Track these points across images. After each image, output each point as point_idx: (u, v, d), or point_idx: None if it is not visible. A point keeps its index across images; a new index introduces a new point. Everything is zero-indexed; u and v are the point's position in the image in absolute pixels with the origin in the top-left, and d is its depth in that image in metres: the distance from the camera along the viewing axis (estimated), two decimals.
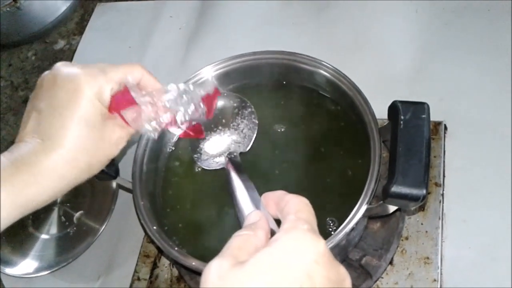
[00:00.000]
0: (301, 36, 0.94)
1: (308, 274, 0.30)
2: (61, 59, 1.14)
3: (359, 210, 0.52)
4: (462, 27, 0.85)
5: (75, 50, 1.12)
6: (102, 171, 0.61)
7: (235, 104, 0.65)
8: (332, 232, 0.56)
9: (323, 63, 0.63)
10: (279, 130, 0.68)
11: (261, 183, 0.50)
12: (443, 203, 0.71)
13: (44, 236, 0.87)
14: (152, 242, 0.72)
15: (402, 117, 0.52)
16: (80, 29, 1.16)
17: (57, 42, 1.17)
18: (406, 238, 0.69)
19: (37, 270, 0.83)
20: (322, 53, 0.66)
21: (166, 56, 1.02)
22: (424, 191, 0.48)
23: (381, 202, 0.52)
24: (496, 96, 0.77)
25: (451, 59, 0.82)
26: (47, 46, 1.17)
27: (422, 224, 0.70)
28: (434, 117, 0.73)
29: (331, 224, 0.59)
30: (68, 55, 1.13)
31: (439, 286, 0.65)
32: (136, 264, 0.78)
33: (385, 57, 0.86)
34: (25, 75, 1.14)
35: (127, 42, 1.08)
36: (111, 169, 0.62)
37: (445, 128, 0.76)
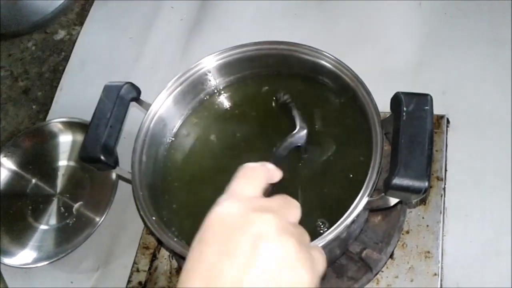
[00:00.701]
0: (304, 27, 0.93)
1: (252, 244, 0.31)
2: (61, 50, 1.13)
3: (360, 203, 0.52)
4: (465, 19, 0.84)
5: (75, 41, 1.11)
6: (101, 161, 0.61)
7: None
8: (326, 230, 0.56)
9: (325, 53, 0.63)
10: (280, 121, 0.67)
11: None
12: (444, 197, 0.70)
13: (43, 227, 0.86)
14: (151, 233, 0.71)
15: (405, 109, 0.52)
16: (81, 19, 1.15)
17: (57, 32, 1.16)
18: (407, 232, 0.69)
19: (36, 260, 0.83)
20: (325, 45, 0.66)
21: (167, 47, 1.01)
22: (426, 184, 0.47)
23: (382, 194, 0.51)
24: (499, 90, 0.76)
25: (454, 52, 0.82)
26: (47, 36, 1.16)
27: (423, 218, 0.69)
28: (436, 110, 0.72)
29: (321, 226, 0.59)
30: (68, 45, 1.12)
31: (439, 280, 0.65)
32: (136, 256, 0.78)
33: (388, 49, 0.85)
34: (25, 65, 1.13)
35: (128, 32, 1.07)
36: (110, 159, 0.62)
37: (448, 121, 0.75)
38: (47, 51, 1.14)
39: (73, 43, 1.11)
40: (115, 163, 0.63)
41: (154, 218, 0.59)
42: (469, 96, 0.77)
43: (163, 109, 0.68)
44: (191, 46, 0.99)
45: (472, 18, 0.84)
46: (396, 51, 0.85)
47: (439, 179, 0.71)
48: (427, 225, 0.68)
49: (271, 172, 0.39)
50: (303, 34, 0.92)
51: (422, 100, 0.52)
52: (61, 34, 1.16)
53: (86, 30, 1.12)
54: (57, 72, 1.09)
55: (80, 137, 0.92)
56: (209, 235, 0.33)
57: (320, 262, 0.34)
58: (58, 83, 1.06)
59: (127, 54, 1.04)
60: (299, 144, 0.59)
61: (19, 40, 1.17)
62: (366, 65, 0.79)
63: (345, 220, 0.52)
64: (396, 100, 0.53)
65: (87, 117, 0.66)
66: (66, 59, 1.09)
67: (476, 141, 0.74)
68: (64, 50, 1.13)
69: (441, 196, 0.70)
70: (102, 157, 0.61)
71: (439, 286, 0.64)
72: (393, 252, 0.67)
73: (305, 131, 0.59)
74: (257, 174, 0.38)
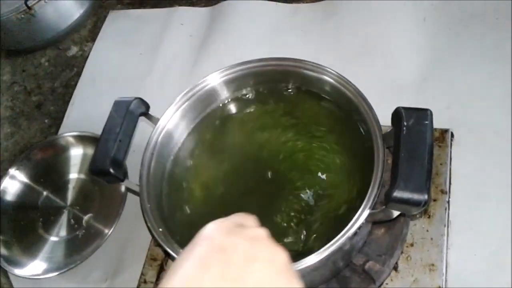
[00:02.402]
0: (310, 43, 0.95)
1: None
2: (73, 65, 1.16)
3: (362, 215, 0.53)
4: (469, 35, 0.85)
5: (87, 57, 1.14)
6: (110, 174, 0.63)
7: None
8: None
9: (328, 69, 0.64)
10: (283, 136, 0.68)
11: (263, 188, 0.51)
12: (449, 210, 0.71)
13: (53, 238, 0.88)
14: (158, 245, 0.72)
15: (405, 123, 0.53)
16: (93, 35, 1.18)
17: (70, 48, 1.19)
18: (412, 245, 0.69)
19: (46, 271, 0.84)
20: (330, 60, 0.67)
21: (176, 63, 1.04)
22: (426, 196, 0.48)
23: (384, 207, 0.52)
24: (503, 104, 0.77)
25: (458, 67, 0.82)
26: (60, 52, 1.19)
27: (427, 231, 0.69)
28: (441, 124, 0.74)
29: None
30: (80, 61, 1.15)
31: None
32: (143, 267, 0.79)
33: (393, 65, 0.86)
34: (38, 81, 1.16)
35: (139, 49, 1.10)
36: (119, 172, 0.63)
37: (452, 135, 0.76)
38: (59, 66, 1.17)
39: (85, 59, 1.14)
40: (124, 176, 0.64)
41: (161, 229, 0.60)
42: (473, 110, 0.78)
43: (171, 123, 0.69)
44: (200, 62, 1.01)
45: (476, 34, 0.85)
46: (401, 66, 0.86)
47: (443, 192, 0.71)
48: (431, 238, 0.69)
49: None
50: (309, 50, 0.93)
51: (422, 115, 0.53)
52: (74, 50, 1.19)
53: (98, 46, 1.14)
54: (69, 87, 1.12)
55: (90, 151, 0.94)
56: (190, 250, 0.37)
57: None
58: (70, 98, 1.08)
59: (138, 70, 1.06)
60: None
61: (32, 56, 1.21)
62: (371, 80, 0.81)
63: (347, 232, 0.53)
64: (397, 115, 0.55)
65: (98, 131, 0.67)
66: (78, 74, 1.12)
67: (480, 155, 0.74)
68: (76, 66, 1.15)
69: (445, 209, 0.70)
70: (112, 170, 0.62)
71: None
72: (397, 264, 0.67)
73: None
74: (254, 223, 0.41)
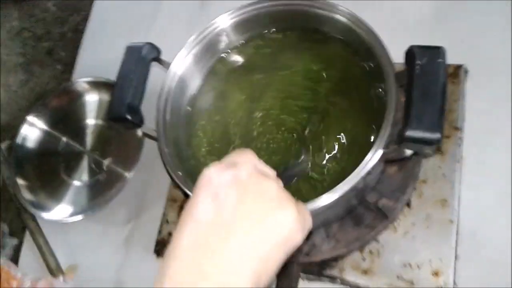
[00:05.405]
0: None
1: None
2: (80, 9, 1.14)
3: (375, 154, 0.54)
4: None
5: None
6: (128, 120, 0.64)
7: None
8: None
9: (340, 7, 0.63)
10: (296, 77, 0.68)
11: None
12: (462, 146, 0.71)
13: (76, 183, 0.91)
14: (177, 187, 0.75)
15: (418, 62, 0.52)
16: None
17: None
18: (424, 182, 0.70)
19: (71, 214, 0.88)
20: (340, 1, 0.65)
21: (185, 4, 1.01)
22: (439, 135, 0.49)
23: (396, 146, 0.53)
24: None
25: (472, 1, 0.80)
26: None
27: (440, 167, 0.70)
28: (454, 60, 0.73)
29: None
30: (87, 5, 1.13)
31: (456, 227, 0.67)
32: (164, 208, 0.82)
33: (404, 1, 0.84)
34: (47, 26, 1.15)
35: None
36: (136, 117, 0.64)
37: (466, 71, 0.75)
38: (67, 11, 1.16)
39: (91, 2, 1.12)
40: (141, 122, 0.65)
41: (179, 172, 0.62)
42: (487, 44, 0.76)
43: (183, 67, 0.69)
44: (209, 2, 0.99)
45: None
46: (413, 3, 0.83)
47: (456, 128, 0.71)
48: (444, 174, 0.69)
49: (261, 168, 0.43)
50: None
51: (435, 53, 0.52)
52: None
53: None
54: (78, 32, 1.11)
55: (105, 96, 0.95)
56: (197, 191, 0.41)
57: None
58: (80, 42, 1.08)
59: (146, 12, 1.04)
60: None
61: (40, 1, 1.19)
62: (382, 18, 0.78)
63: (360, 171, 0.54)
64: (410, 54, 0.54)
65: (110, 75, 0.67)
66: (86, 18, 1.10)
67: (494, 90, 0.73)
68: (84, 9, 1.14)
69: (458, 145, 0.70)
70: (129, 117, 0.63)
71: (455, 232, 0.66)
72: (410, 200, 0.69)
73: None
74: (247, 159, 0.43)
